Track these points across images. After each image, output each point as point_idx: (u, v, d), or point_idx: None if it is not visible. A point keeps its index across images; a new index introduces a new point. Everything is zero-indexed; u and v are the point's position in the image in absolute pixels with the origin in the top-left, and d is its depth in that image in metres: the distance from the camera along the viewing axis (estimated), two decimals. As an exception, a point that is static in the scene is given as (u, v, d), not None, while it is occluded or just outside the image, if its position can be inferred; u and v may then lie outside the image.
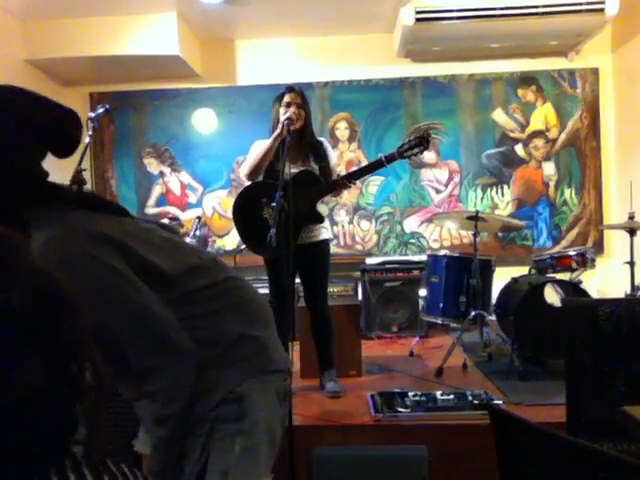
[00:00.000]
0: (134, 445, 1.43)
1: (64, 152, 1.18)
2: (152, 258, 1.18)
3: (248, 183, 2.98)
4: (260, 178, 2.95)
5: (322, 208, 3.01)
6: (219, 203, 4.97)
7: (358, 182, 4.90)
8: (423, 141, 2.84)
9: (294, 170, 2.78)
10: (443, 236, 4.94)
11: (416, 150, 2.85)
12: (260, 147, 2.88)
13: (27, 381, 0.58)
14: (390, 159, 2.84)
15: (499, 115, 4.92)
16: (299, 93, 2.90)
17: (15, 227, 0.89)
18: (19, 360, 0.59)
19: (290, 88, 2.92)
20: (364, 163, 4.93)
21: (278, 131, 2.81)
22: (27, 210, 1.11)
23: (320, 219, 2.91)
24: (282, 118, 2.80)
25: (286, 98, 2.86)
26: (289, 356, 2.07)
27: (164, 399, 1.13)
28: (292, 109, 2.82)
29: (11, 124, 1.08)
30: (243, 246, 2.99)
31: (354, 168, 4.87)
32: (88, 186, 3.80)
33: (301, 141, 2.89)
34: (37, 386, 0.59)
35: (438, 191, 4.95)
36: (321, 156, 2.94)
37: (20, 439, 0.60)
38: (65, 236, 1.09)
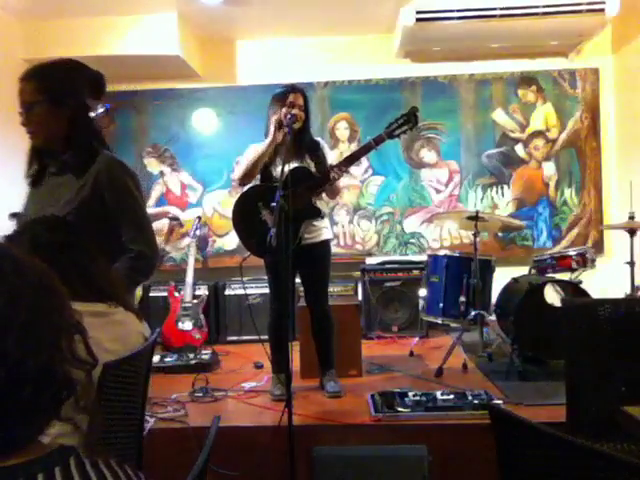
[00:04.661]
0: None
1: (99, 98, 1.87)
2: None
3: (245, 188, 2.99)
4: (256, 181, 2.97)
5: (321, 205, 3.00)
6: (219, 203, 4.97)
7: (358, 182, 4.94)
8: (411, 117, 2.79)
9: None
10: (443, 236, 4.93)
11: (404, 128, 2.79)
12: (253, 152, 2.90)
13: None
14: (379, 140, 2.79)
15: (499, 115, 4.92)
16: (302, 94, 2.90)
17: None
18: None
19: (293, 88, 2.92)
20: (364, 163, 4.92)
21: (271, 137, 2.83)
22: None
23: (318, 212, 2.90)
24: (285, 113, 2.80)
25: (290, 97, 2.85)
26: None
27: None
28: (295, 110, 2.82)
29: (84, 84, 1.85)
30: (247, 254, 2.97)
31: (353, 168, 4.90)
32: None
33: (299, 141, 2.89)
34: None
35: (438, 191, 4.95)
36: (318, 155, 2.94)
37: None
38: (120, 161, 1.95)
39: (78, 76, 1.89)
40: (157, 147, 4.98)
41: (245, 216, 2.95)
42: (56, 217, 1.65)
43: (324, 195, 2.99)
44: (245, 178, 2.93)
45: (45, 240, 1.45)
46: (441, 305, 3.65)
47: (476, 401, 2.62)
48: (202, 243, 4.93)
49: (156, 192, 5.00)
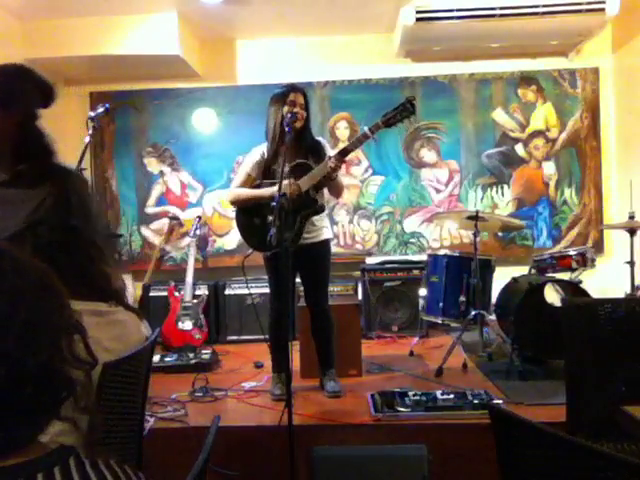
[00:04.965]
0: None
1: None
2: None
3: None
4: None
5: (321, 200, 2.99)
6: (219, 203, 4.96)
7: (358, 182, 4.94)
8: (407, 106, 2.76)
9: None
10: (443, 236, 4.93)
11: (401, 116, 2.77)
12: (241, 177, 2.99)
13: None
14: (375, 129, 2.76)
15: (499, 115, 4.91)
16: (302, 93, 2.89)
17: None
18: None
19: (294, 87, 2.91)
20: (364, 162, 4.93)
21: (271, 192, 2.70)
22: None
23: (315, 202, 2.87)
24: (286, 112, 2.80)
25: (291, 97, 2.84)
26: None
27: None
28: (297, 109, 2.82)
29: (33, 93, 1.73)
30: (249, 251, 3.01)
31: (353, 167, 4.90)
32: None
33: (300, 140, 2.89)
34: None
35: (438, 191, 4.94)
36: (320, 155, 2.93)
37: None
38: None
39: (26, 81, 1.85)
40: (157, 147, 4.98)
41: (247, 214, 2.96)
42: (56, 218, 1.64)
43: (327, 192, 2.99)
44: (236, 204, 3.02)
45: (46, 240, 1.45)
46: (441, 305, 3.65)
47: (476, 401, 2.62)
48: (202, 243, 4.93)
49: (156, 192, 5.00)
